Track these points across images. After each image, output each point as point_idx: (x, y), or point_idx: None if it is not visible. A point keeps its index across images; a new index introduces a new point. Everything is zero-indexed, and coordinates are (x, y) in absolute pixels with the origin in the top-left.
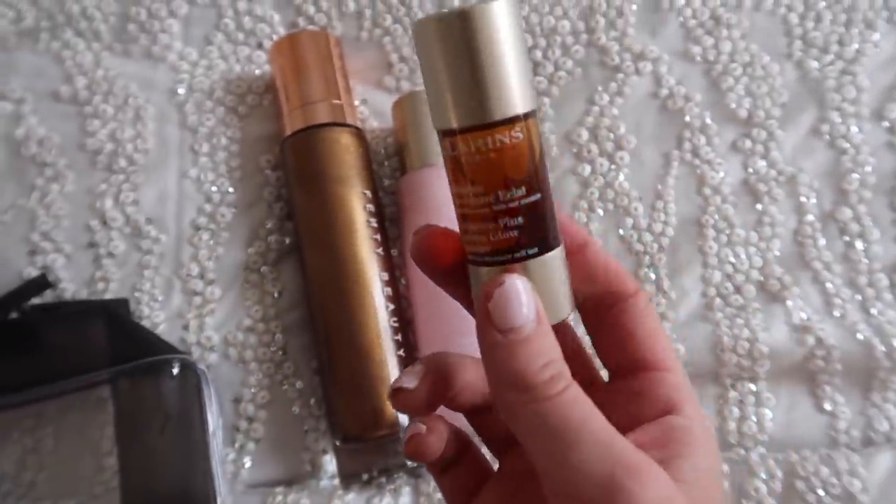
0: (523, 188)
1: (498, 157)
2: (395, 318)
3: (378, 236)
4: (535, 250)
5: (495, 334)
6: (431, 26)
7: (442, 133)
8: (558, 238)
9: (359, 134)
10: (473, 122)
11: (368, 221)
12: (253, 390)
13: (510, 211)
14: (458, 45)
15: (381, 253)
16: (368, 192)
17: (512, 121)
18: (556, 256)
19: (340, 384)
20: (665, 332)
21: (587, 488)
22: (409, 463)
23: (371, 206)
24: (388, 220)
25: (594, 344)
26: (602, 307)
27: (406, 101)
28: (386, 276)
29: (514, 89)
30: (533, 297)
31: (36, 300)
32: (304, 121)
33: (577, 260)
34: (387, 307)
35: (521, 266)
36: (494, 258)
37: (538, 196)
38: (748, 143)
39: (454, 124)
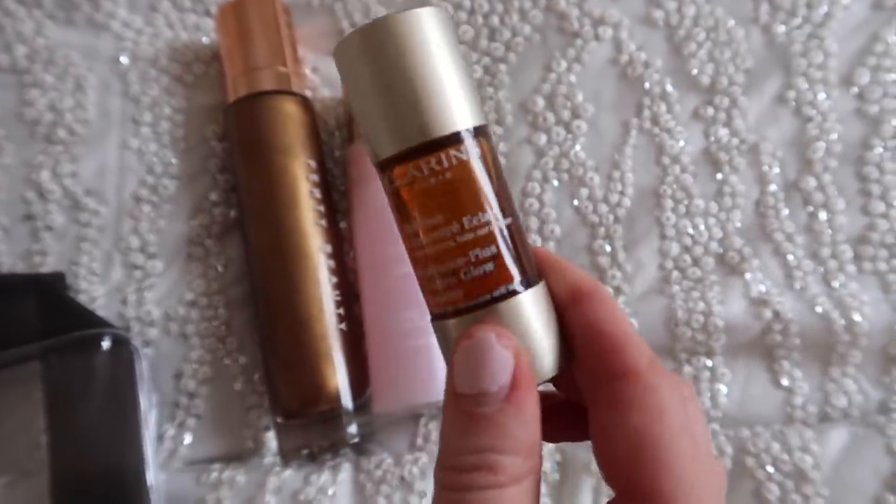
0: (497, 209)
1: (456, 177)
2: (338, 292)
3: (322, 207)
4: (519, 285)
5: (448, 395)
6: (354, 42)
7: (385, 164)
8: (538, 274)
9: (305, 102)
10: (423, 140)
11: (312, 192)
12: (194, 366)
13: (480, 240)
14: (385, 58)
15: (325, 225)
16: (313, 163)
17: (477, 131)
18: (542, 293)
19: (281, 359)
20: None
21: None
22: (351, 439)
23: (315, 177)
24: (339, 192)
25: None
26: (596, 386)
27: None
28: (329, 249)
29: (457, 102)
30: (509, 363)
31: None
32: (248, 88)
33: (577, 315)
34: (329, 280)
35: (504, 308)
36: (469, 304)
37: (510, 219)
38: (710, 111)
39: (398, 149)
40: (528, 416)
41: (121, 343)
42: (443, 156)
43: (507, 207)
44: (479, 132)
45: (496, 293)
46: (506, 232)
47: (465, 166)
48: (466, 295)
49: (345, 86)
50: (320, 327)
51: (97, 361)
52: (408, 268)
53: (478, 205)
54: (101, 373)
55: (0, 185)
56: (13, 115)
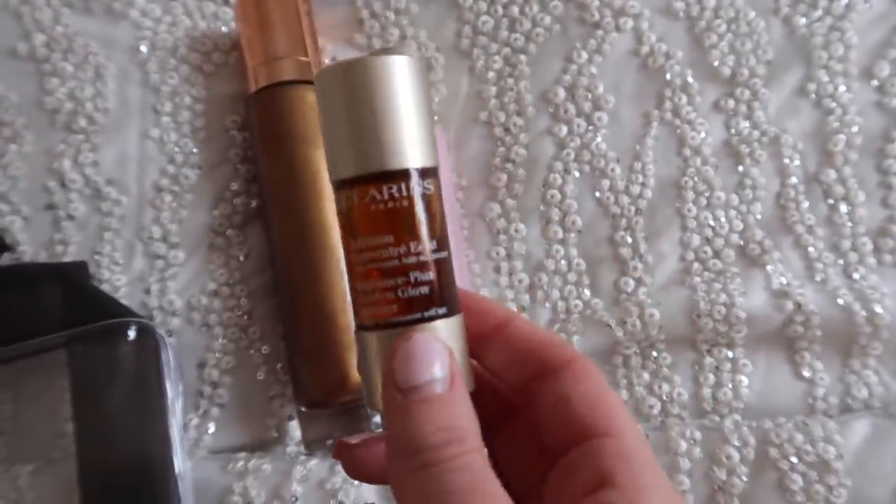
0: (435, 242)
1: (410, 206)
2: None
3: None
4: (445, 310)
5: (395, 394)
6: (333, 74)
7: (342, 183)
8: (459, 307)
9: None
10: (381, 170)
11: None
12: (217, 355)
13: (422, 265)
14: (360, 94)
15: None
16: None
17: (425, 172)
18: (461, 322)
19: (305, 350)
20: (614, 394)
21: None
22: (375, 430)
23: None
24: None
25: (540, 428)
26: (535, 383)
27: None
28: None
29: (411, 143)
30: (447, 357)
31: None
32: (269, 78)
33: (503, 336)
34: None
35: (431, 327)
36: (400, 318)
37: (446, 253)
38: (731, 103)
39: (358, 173)
40: (469, 400)
41: (146, 332)
42: (395, 186)
43: (445, 243)
44: (428, 173)
45: (427, 314)
46: (442, 264)
47: (412, 200)
48: (400, 311)
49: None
50: (344, 319)
51: (123, 350)
52: None
53: (421, 234)
54: (127, 362)
55: (21, 174)
56: (33, 103)
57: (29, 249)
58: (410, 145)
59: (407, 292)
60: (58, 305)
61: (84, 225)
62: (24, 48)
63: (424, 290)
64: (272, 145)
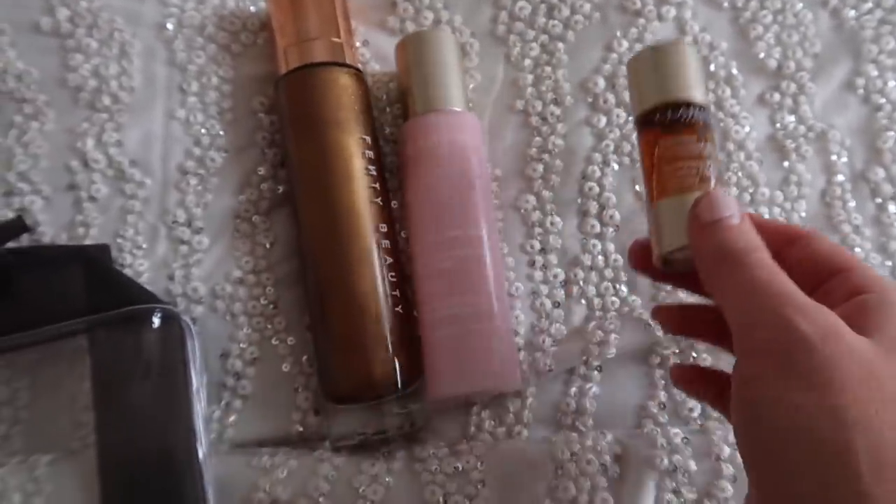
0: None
1: (705, 121)
2: (392, 273)
3: (377, 185)
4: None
5: (702, 227)
6: (646, 54)
7: (669, 104)
8: None
9: (359, 76)
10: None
11: (367, 169)
12: (242, 345)
13: (710, 157)
14: (671, 59)
15: (380, 203)
16: (368, 138)
17: (702, 107)
18: None
19: (333, 342)
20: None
21: (764, 332)
22: (404, 427)
23: (370, 153)
24: (388, 170)
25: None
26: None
27: (410, 41)
28: (385, 228)
29: (700, 86)
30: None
31: (11, 244)
32: (300, 59)
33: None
34: (384, 261)
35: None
36: (699, 190)
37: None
38: (776, 97)
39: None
40: (755, 229)
41: (172, 319)
42: (693, 108)
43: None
44: (703, 108)
45: (711, 189)
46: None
47: (704, 119)
48: (699, 184)
49: (401, 61)
50: (375, 310)
51: (147, 338)
52: (466, 251)
53: (711, 138)
54: (152, 350)
55: (42, 153)
56: (56, 80)
57: (49, 231)
58: (698, 88)
59: (702, 172)
60: (80, 289)
61: (106, 207)
62: (48, 23)
63: (711, 171)
64: (302, 129)
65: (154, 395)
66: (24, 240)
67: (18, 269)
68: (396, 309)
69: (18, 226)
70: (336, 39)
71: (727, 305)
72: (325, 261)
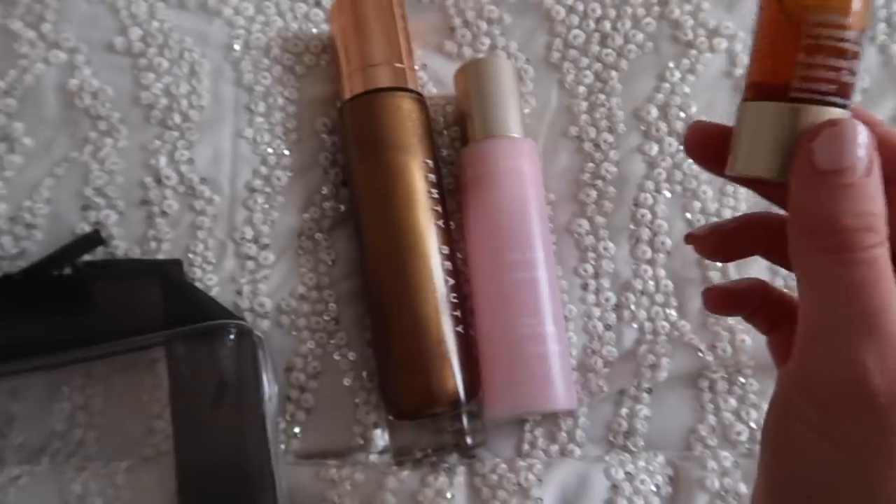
0: (860, 35)
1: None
2: (454, 294)
3: (439, 207)
4: (848, 107)
5: (813, 175)
6: None
7: None
8: None
9: (420, 100)
10: None
11: (430, 192)
12: (305, 360)
13: (851, 53)
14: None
15: (442, 225)
16: (430, 162)
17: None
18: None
19: (396, 359)
20: None
21: (832, 361)
22: (466, 442)
23: (432, 177)
24: (447, 192)
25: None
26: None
27: (470, 68)
28: (446, 250)
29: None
30: (871, 144)
31: (87, 257)
32: (365, 84)
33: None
34: (446, 282)
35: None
36: (834, 99)
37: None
38: None
39: None
40: (881, 187)
41: (246, 334)
42: None
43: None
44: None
45: (849, 104)
46: (858, 59)
47: None
48: (838, 92)
49: (461, 87)
50: (437, 330)
51: (223, 352)
52: (524, 274)
53: (858, 26)
54: (227, 364)
55: (117, 169)
56: (129, 98)
57: (122, 244)
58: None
59: (845, 77)
60: (157, 302)
61: (177, 222)
62: (121, 42)
63: (853, 80)
64: (367, 152)
65: (229, 407)
66: (99, 253)
67: (96, 282)
68: (457, 329)
69: (95, 239)
70: (399, 65)
71: (806, 293)
72: (389, 281)
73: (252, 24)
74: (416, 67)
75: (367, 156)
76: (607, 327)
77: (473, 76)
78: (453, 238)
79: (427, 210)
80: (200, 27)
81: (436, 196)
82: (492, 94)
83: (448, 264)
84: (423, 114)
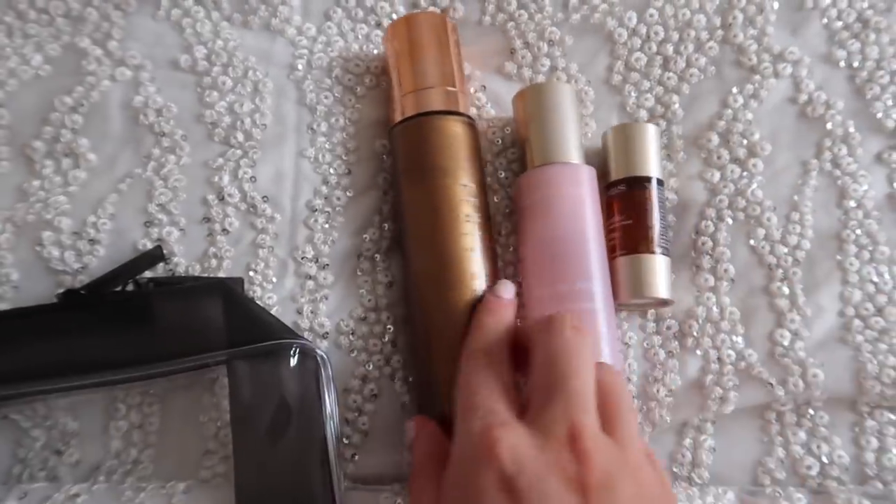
0: None
1: None
2: None
3: (481, 232)
4: None
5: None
6: None
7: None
8: None
9: (471, 124)
10: None
11: (469, 216)
12: (363, 382)
13: None
14: None
15: (481, 249)
16: (473, 185)
17: None
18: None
19: (440, 386)
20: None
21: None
22: None
23: (476, 201)
24: (502, 214)
25: None
26: None
27: (529, 93)
28: (488, 273)
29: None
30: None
31: (149, 273)
32: (416, 108)
33: None
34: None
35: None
36: None
37: None
38: (895, 156)
39: None
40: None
41: (309, 354)
42: None
43: None
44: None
45: None
46: None
47: None
48: None
49: (519, 112)
50: None
51: (286, 372)
52: (581, 304)
53: None
54: (290, 383)
55: (180, 185)
56: (193, 115)
57: (183, 261)
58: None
59: None
60: (219, 320)
61: (238, 240)
62: (186, 60)
63: None
64: (412, 175)
65: (292, 429)
66: (160, 270)
67: (160, 299)
68: None
69: (157, 255)
70: (451, 88)
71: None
72: (431, 306)
73: (314, 44)
74: (473, 89)
75: (414, 180)
76: (669, 354)
77: (533, 101)
78: (510, 261)
79: (470, 235)
80: (265, 46)
81: (479, 221)
82: (550, 119)
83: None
84: (474, 138)
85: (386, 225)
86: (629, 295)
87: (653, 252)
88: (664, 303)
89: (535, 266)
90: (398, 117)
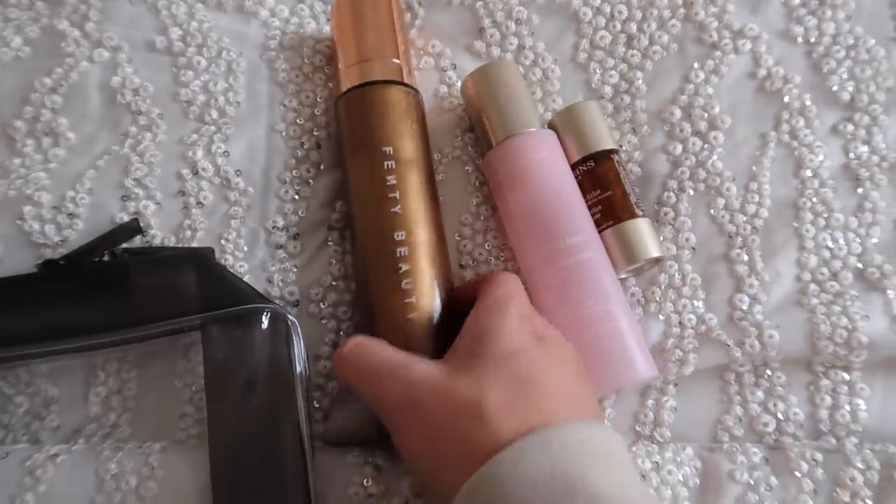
0: None
1: None
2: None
3: (395, 194)
4: None
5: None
6: None
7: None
8: None
9: (416, 95)
10: None
11: (386, 180)
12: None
13: None
14: None
15: (399, 211)
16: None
17: None
18: None
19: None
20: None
21: None
22: None
23: (390, 164)
24: (473, 185)
25: None
26: None
27: (478, 75)
28: (402, 235)
29: None
30: None
31: (125, 245)
32: (359, 78)
33: None
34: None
35: None
36: None
37: None
38: (850, 128)
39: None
40: None
41: (280, 318)
42: None
43: None
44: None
45: None
46: None
47: None
48: None
49: (472, 97)
50: (420, 333)
51: (258, 335)
52: (578, 256)
53: None
54: (262, 347)
55: (156, 161)
56: (168, 94)
57: (159, 234)
58: None
59: None
60: (193, 288)
61: (212, 212)
62: (162, 42)
63: None
64: (350, 143)
65: (263, 391)
66: (136, 242)
67: (135, 268)
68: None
69: (133, 228)
70: (395, 60)
71: None
72: (369, 280)
73: (287, 25)
74: (445, 68)
75: (351, 148)
76: None
77: (483, 82)
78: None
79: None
80: (238, 28)
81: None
82: (505, 95)
83: (402, 250)
84: (418, 109)
85: None
86: (626, 263)
87: (636, 216)
88: (657, 261)
89: (525, 232)
90: (342, 90)
